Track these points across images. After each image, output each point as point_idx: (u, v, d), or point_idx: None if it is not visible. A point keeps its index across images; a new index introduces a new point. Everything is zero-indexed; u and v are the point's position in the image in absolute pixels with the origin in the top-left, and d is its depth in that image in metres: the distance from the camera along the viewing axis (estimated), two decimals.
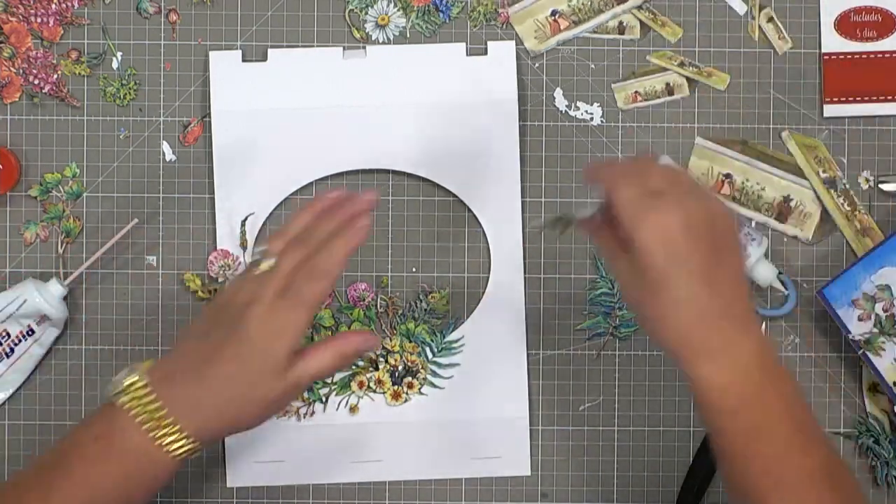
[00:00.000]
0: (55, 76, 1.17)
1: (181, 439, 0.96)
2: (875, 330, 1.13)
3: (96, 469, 0.96)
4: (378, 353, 1.16)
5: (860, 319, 1.14)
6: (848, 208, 1.17)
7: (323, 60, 1.17)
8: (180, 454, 0.96)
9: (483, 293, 1.17)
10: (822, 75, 1.17)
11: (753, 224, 1.18)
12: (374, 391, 1.17)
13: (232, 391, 0.96)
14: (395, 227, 1.17)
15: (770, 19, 1.18)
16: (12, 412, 1.17)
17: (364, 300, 1.16)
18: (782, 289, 1.16)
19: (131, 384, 0.96)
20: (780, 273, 1.15)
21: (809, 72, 1.18)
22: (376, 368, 1.17)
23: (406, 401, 1.17)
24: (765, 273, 1.14)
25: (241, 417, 0.98)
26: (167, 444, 0.95)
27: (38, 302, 1.13)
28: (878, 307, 1.13)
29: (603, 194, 0.96)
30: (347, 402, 1.17)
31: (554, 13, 1.17)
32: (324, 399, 1.17)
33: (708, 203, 0.95)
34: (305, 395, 1.16)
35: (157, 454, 0.96)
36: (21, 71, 1.17)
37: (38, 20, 1.16)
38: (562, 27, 1.18)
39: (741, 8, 1.18)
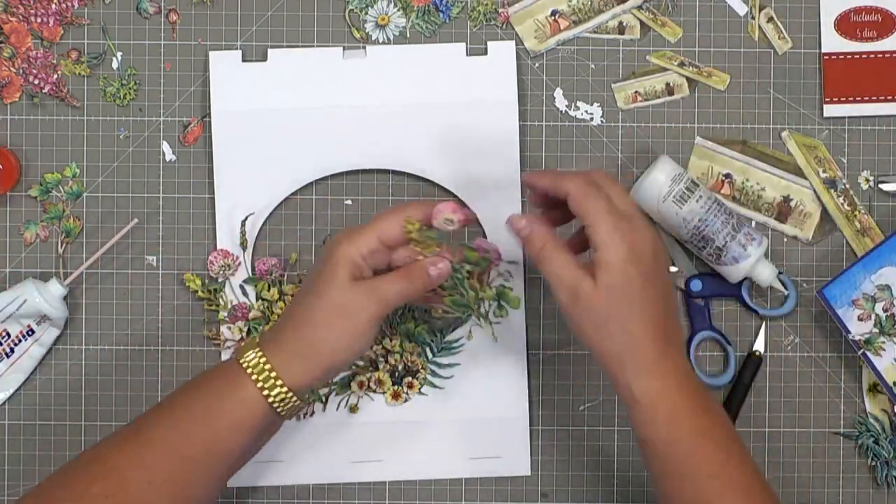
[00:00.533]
0: (55, 76, 1.17)
1: (264, 370, 1.01)
2: (875, 330, 1.13)
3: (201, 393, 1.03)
4: (378, 353, 1.17)
5: (860, 319, 1.14)
6: (848, 208, 1.17)
7: (323, 60, 1.17)
8: (263, 386, 1.01)
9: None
10: (822, 75, 1.18)
11: (753, 224, 1.18)
12: (374, 391, 1.17)
13: (305, 304, 1.02)
14: None
15: (770, 19, 1.18)
16: (12, 412, 1.17)
17: None
18: (782, 289, 1.16)
19: (254, 337, 1.06)
20: (780, 273, 1.16)
21: (809, 72, 1.18)
22: (376, 368, 1.17)
23: (406, 401, 1.17)
24: (765, 273, 1.14)
25: (313, 329, 1.02)
26: (252, 374, 1.02)
27: (38, 302, 1.13)
28: (878, 307, 1.13)
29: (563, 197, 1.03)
30: (347, 402, 1.17)
31: (554, 13, 1.17)
32: (324, 399, 1.17)
33: (658, 234, 1.04)
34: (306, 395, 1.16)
35: (241, 389, 1.02)
36: (21, 71, 1.17)
37: (38, 20, 1.16)
38: (562, 27, 1.18)
39: (741, 8, 1.18)
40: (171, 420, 1.02)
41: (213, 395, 1.02)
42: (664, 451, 1.01)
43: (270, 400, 1.01)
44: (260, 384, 1.01)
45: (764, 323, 1.17)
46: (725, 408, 1.17)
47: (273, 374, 1.01)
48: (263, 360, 1.01)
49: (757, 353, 1.17)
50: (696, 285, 1.17)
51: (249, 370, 1.01)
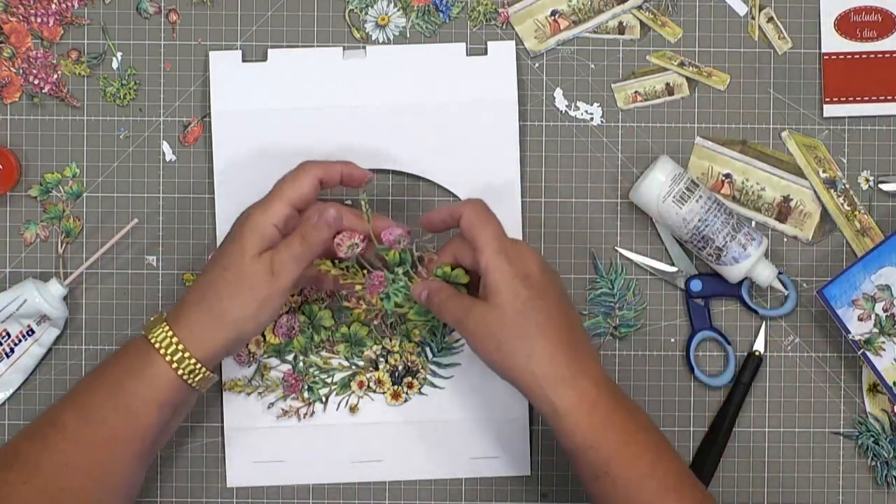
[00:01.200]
0: (55, 76, 1.17)
1: (171, 342, 1.03)
2: (875, 330, 1.13)
3: (118, 368, 1.05)
4: (378, 353, 1.17)
5: (860, 319, 1.14)
6: (848, 208, 1.17)
7: (323, 60, 1.17)
8: (171, 360, 1.03)
9: None
10: (822, 75, 1.18)
11: (753, 224, 1.18)
12: (374, 391, 1.17)
13: (210, 277, 1.03)
14: None
15: (770, 19, 1.18)
16: (12, 412, 1.17)
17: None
18: (782, 289, 1.16)
19: (160, 314, 1.06)
20: (780, 273, 1.16)
21: (809, 72, 1.18)
22: (376, 368, 1.17)
23: (406, 401, 1.17)
24: (765, 273, 1.14)
25: (217, 301, 1.03)
26: (156, 340, 1.03)
27: (38, 302, 1.13)
28: (878, 307, 1.13)
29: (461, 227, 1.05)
30: (347, 402, 1.17)
31: (554, 13, 1.17)
32: (324, 399, 1.17)
33: (543, 259, 1.06)
34: (306, 395, 1.16)
35: (144, 352, 1.04)
36: (21, 71, 1.17)
37: (38, 20, 1.16)
38: (562, 27, 1.18)
39: (741, 8, 1.18)
40: (81, 404, 1.04)
41: (123, 374, 1.04)
42: (592, 457, 1.02)
43: (180, 373, 1.03)
44: (168, 358, 1.03)
45: (764, 323, 1.17)
46: (725, 408, 1.17)
47: (181, 346, 1.03)
48: (170, 334, 1.03)
49: (757, 353, 1.17)
50: (696, 285, 1.17)
51: (157, 345, 1.03)
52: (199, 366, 1.03)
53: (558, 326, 1.02)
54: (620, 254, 1.17)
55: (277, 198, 1.05)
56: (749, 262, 1.13)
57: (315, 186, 1.06)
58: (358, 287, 1.09)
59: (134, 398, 1.03)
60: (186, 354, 1.03)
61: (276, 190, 1.06)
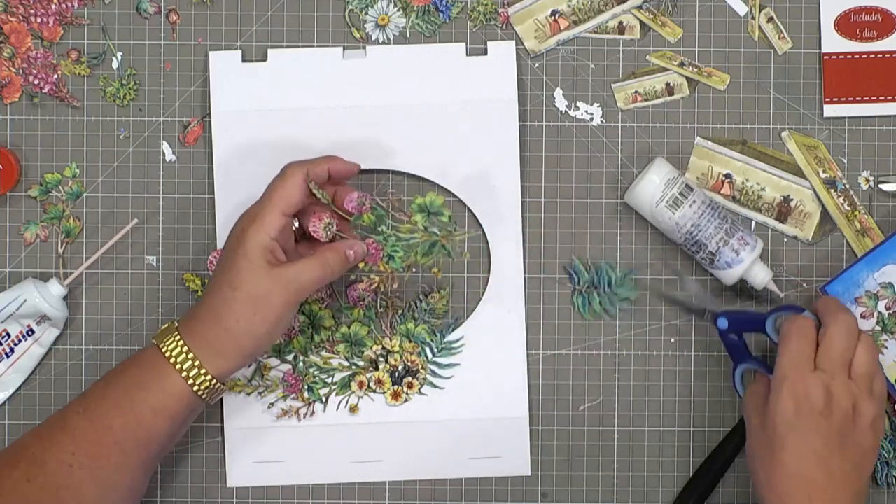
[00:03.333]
0: (55, 76, 1.17)
1: (180, 349, 1.03)
2: (877, 328, 1.13)
3: (127, 377, 1.05)
4: (378, 353, 1.17)
5: (862, 317, 1.14)
6: (848, 208, 1.17)
7: (323, 60, 1.17)
8: (187, 375, 1.03)
9: (483, 293, 1.17)
10: (822, 75, 1.17)
11: (753, 224, 1.17)
12: (374, 391, 1.17)
13: (223, 294, 1.03)
14: None
15: (770, 19, 1.18)
16: (12, 412, 1.17)
17: (364, 300, 1.16)
18: (778, 291, 1.15)
19: (171, 324, 1.06)
20: (774, 276, 1.15)
21: (809, 72, 1.18)
22: (376, 368, 1.17)
23: (406, 401, 1.17)
24: (759, 276, 1.14)
25: (234, 321, 1.03)
26: (165, 347, 1.04)
27: (38, 302, 1.13)
28: (881, 305, 1.13)
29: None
30: (347, 402, 1.17)
31: (554, 13, 1.17)
32: (324, 399, 1.17)
33: (857, 395, 1.04)
34: (306, 395, 1.16)
35: (156, 361, 1.04)
36: (21, 71, 1.17)
37: (38, 20, 1.17)
38: (562, 27, 1.18)
39: (741, 8, 1.18)
40: (90, 409, 1.04)
41: (133, 384, 1.04)
42: None
43: (196, 389, 1.04)
44: (184, 374, 1.03)
45: None
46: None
47: (197, 362, 1.03)
48: (185, 348, 1.04)
49: None
50: (723, 323, 1.13)
51: (171, 358, 1.03)
52: (213, 381, 1.04)
53: (797, 471, 1.04)
54: (654, 291, 1.16)
55: (269, 210, 1.05)
56: (742, 268, 1.13)
57: (303, 189, 1.06)
58: (361, 265, 1.09)
59: (143, 408, 1.04)
60: (203, 371, 1.04)
61: (266, 200, 1.06)
